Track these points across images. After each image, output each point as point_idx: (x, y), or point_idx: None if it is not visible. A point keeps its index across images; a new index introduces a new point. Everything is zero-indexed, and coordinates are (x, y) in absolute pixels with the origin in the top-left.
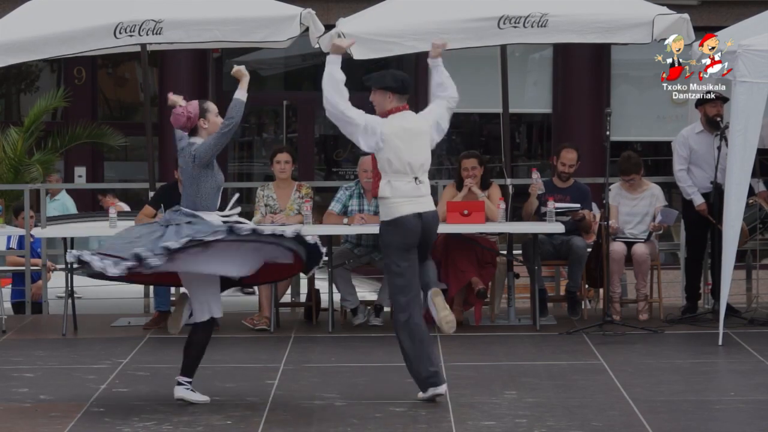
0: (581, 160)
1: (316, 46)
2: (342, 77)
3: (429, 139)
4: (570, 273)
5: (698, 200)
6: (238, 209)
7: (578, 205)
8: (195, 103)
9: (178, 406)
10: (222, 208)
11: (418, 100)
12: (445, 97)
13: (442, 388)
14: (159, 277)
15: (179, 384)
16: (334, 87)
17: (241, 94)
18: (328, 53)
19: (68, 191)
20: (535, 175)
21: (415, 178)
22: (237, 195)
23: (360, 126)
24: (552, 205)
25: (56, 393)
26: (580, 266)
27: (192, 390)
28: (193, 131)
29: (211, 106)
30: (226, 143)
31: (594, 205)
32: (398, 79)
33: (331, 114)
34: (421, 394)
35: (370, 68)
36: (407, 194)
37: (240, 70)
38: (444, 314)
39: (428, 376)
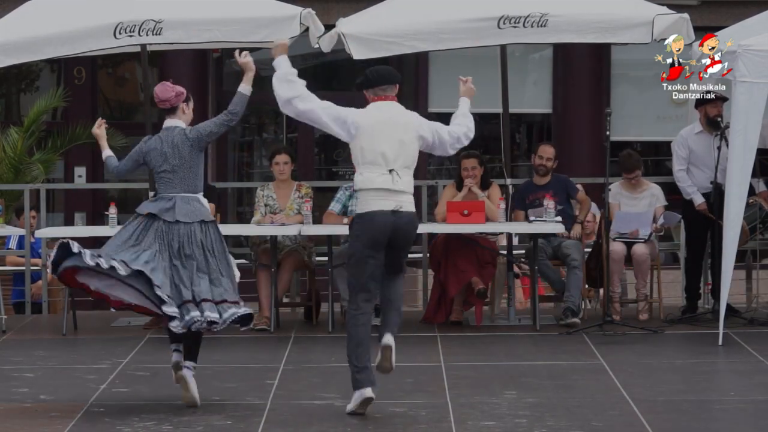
0: (581, 161)
1: (316, 46)
2: (291, 70)
3: (413, 135)
4: (568, 285)
5: (698, 200)
6: None
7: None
8: (183, 89)
9: (178, 406)
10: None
11: (418, 100)
12: (457, 124)
13: (368, 391)
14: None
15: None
16: (286, 85)
17: (245, 88)
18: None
19: (69, 191)
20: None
21: (390, 171)
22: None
23: (325, 113)
24: (547, 204)
25: (56, 393)
26: (578, 279)
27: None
28: (173, 111)
29: (191, 102)
30: (221, 133)
31: (594, 205)
32: (366, 74)
33: (294, 113)
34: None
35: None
36: (380, 186)
37: (248, 62)
38: (384, 364)
39: (358, 371)
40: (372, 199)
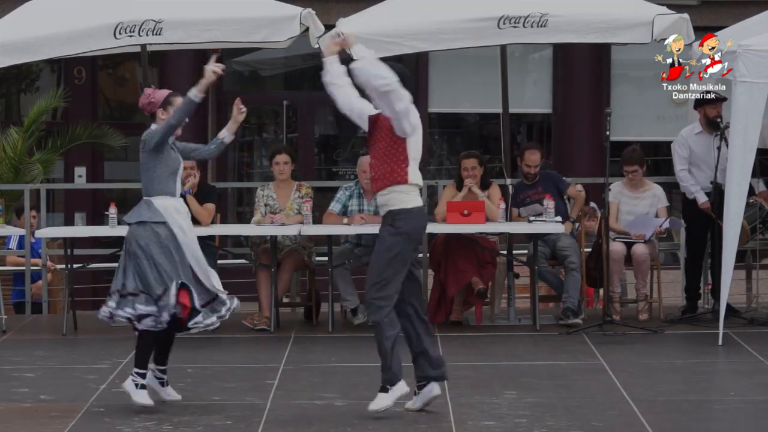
0: (581, 161)
1: (316, 46)
2: (341, 70)
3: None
4: (566, 286)
5: (701, 198)
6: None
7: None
8: (164, 92)
9: (178, 406)
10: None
11: (418, 100)
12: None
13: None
14: None
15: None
16: (341, 85)
17: (193, 94)
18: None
19: (69, 191)
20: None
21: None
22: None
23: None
24: (547, 203)
25: (56, 393)
26: (576, 281)
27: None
28: (153, 117)
29: (177, 101)
30: (170, 135)
31: (593, 204)
32: (400, 73)
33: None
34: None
35: None
36: (419, 183)
37: (215, 70)
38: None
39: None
40: (415, 194)
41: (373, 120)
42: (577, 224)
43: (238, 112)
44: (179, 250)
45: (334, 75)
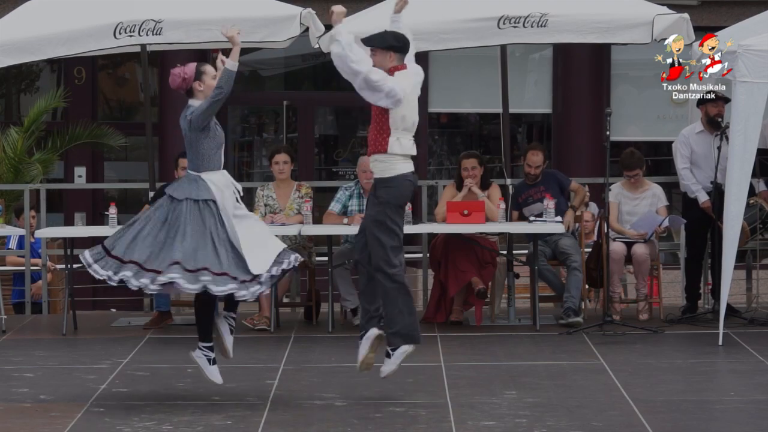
0: (581, 161)
1: (316, 46)
2: (350, 38)
3: (417, 99)
4: (568, 285)
5: (702, 197)
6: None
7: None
8: (192, 65)
9: (178, 406)
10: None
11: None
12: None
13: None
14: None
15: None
16: (349, 52)
17: (230, 64)
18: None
19: (69, 191)
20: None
21: (414, 137)
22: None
23: (386, 88)
24: (547, 203)
25: (56, 393)
26: (578, 280)
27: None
28: (190, 93)
29: (209, 69)
30: (218, 109)
31: (593, 205)
32: (399, 39)
33: (352, 77)
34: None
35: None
36: (409, 152)
37: (234, 37)
38: (369, 355)
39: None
40: (402, 162)
41: None
42: (576, 224)
43: (228, 34)
44: (219, 229)
45: (348, 47)
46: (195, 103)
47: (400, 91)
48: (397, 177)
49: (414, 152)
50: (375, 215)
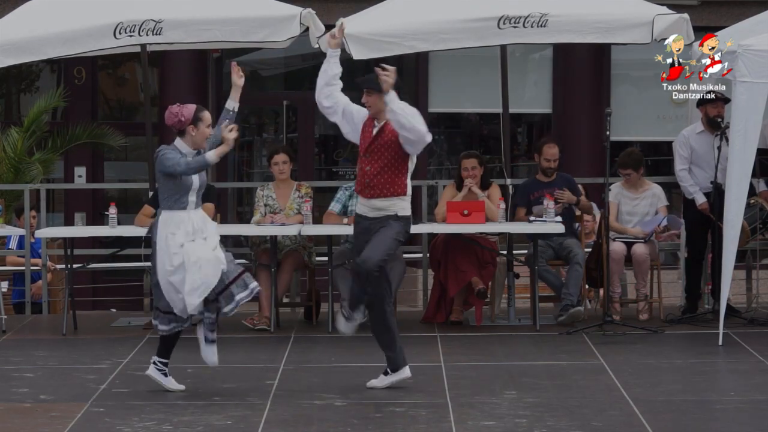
0: (580, 161)
1: (316, 46)
2: (337, 71)
3: None
4: (567, 280)
5: (700, 199)
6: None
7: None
8: (192, 107)
9: (178, 406)
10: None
11: (418, 100)
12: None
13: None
14: None
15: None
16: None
17: (211, 156)
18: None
19: (69, 191)
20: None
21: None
22: None
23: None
24: (547, 203)
25: (56, 393)
26: (578, 274)
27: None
28: (181, 134)
29: (206, 116)
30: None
31: (593, 205)
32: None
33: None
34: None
35: (370, 69)
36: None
37: (234, 138)
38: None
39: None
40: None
41: (370, 126)
42: (576, 224)
43: (238, 76)
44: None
45: (331, 78)
46: (181, 145)
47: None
48: (411, 217)
49: None
50: (398, 232)
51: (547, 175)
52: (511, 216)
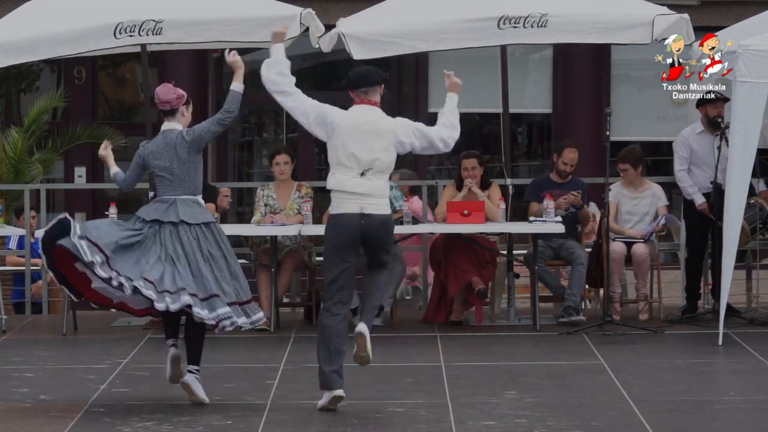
0: (580, 160)
1: (316, 46)
2: (285, 61)
3: (390, 142)
4: (570, 282)
5: (699, 200)
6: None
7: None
8: (184, 92)
9: (178, 406)
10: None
11: (418, 101)
12: (442, 124)
13: (338, 391)
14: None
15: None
16: (277, 72)
17: (237, 85)
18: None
19: (69, 191)
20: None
21: (361, 174)
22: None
23: (310, 111)
24: (547, 203)
25: (56, 393)
26: (581, 276)
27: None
28: (172, 113)
29: (191, 106)
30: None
31: (593, 205)
32: (352, 74)
33: (281, 104)
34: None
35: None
36: (350, 189)
37: (236, 60)
38: (360, 354)
39: (321, 374)
40: (342, 200)
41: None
42: (578, 226)
43: (230, 60)
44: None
45: (279, 69)
46: (175, 126)
47: (301, 114)
48: (335, 216)
49: (361, 190)
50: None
51: (562, 177)
52: (522, 213)
